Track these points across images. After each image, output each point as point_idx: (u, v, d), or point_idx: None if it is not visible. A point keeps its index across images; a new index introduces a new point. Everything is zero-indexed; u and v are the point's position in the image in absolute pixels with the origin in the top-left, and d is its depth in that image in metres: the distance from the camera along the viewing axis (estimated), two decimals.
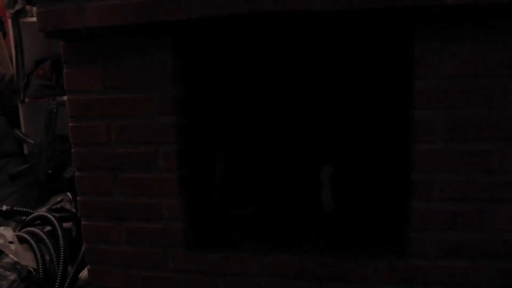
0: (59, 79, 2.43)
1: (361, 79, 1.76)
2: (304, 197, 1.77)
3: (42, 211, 1.98)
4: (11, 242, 1.67)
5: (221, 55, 1.73)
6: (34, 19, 2.38)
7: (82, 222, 1.47)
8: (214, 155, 1.80)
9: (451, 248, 1.24)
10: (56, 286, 1.62)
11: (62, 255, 1.69)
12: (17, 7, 2.45)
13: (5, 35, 2.69)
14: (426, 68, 1.19)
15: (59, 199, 2.10)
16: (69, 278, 1.67)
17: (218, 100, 1.80)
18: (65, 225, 1.89)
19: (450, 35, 1.17)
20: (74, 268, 1.69)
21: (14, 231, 1.80)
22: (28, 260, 1.64)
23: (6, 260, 1.58)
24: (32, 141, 2.39)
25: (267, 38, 1.68)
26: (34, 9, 2.37)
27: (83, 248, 1.56)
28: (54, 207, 2.04)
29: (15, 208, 2.00)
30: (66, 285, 1.64)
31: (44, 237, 1.74)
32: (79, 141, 1.43)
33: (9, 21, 2.54)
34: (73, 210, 2.03)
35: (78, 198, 1.47)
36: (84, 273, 1.67)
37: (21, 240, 1.73)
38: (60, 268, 1.66)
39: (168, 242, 1.40)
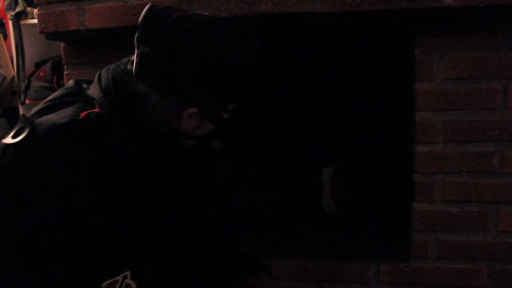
0: (60, 81, 2.43)
1: (362, 81, 1.77)
2: (305, 198, 1.77)
3: None
4: None
5: None
6: (35, 21, 2.38)
7: None
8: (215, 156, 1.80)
9: (452, 250, 1.24)
10: None
11: None
12: (18, 9, 2.45)
13: (5, 37, 2.69)
14: (426, 70, 1.19)
15: None
16: None
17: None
18: None
19: (451, 37, 1.17)
20: None
21: None
22: None
23: None
24: None
25: (267, 40, 1.68)
26: (35, 11, 2.37)
27: None
28: None
29: None
30: None
31: None
32: None
33: (10, 23, 2.54)
34: None
35: None
36: None
37: None
38: None
39: None
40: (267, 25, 1.26)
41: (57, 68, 2.46)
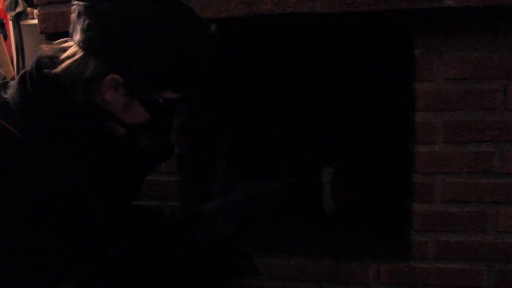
0: None
1: (362, 81, 1.77)
2: (304, 198, 1.77)
3: None
4: None
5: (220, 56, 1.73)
6: (35, 21, 2.38)
7: None
8: (215, 156, 1.80)
9: (451, 250, 1.24)
10: None
11: None
12: (18, 9, 2.46)
13: (6, 37, 2.69)
14: (426, 70, 1.19)
15: None
16: None
17: (218, 101, 1.80)
18: None
19: (450, 37, 1.17)
20: None
21: None
22: None
23: None
24: None
25: (268, 40, 1.68)
26: (35, 11, 2.37)
27: None
28: None
29: None
30: None
31: None
32: None
33: (10, 23, 2.55)
34: None
35: None
36: None
37: None
38: None
39: None
40: (267, 26, 1.26)
41: None
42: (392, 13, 1.12)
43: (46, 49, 0.86)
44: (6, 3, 2.48)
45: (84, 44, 0.80)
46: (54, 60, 0.83)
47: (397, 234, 1.41)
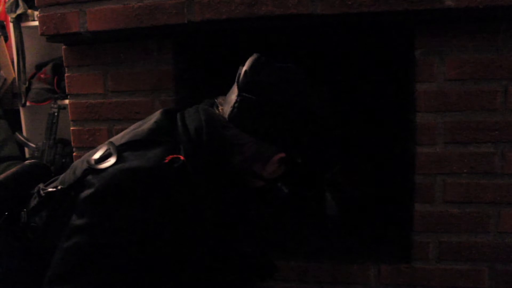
0: (60, 83, 2.43)
1: (363, 82, 1.77)
2: (306, 199, 1.76)
3: None
4: None
5: (222, 57, 1.73)
6: (36, 23, 2.38)
7: None
8: None
9: (452, 250, 1.24)
10: None
11: None
12: (19, 11, 2.45)
13: (6, 39, 2.69)
14: (427, 71, 1.19)
15: None
16: None
17: None
18: None
19: (451, 38, 1.17)
20: None
21: None
22: None
23: None
24: (33, 145, 2.39)
25: (268, 41, 1.68)
26: (36, 13, 2.37)
27: None
28: None
29: None
30: None
31: None
32: (81, 144, 1.43)
33: (11, 25, 2.55)
34: None
35: None
36: None
37: None
38: None
39: None
40: (268, 27, 1.26)
41: (57, 70, 2.46)
42: (392, 14, 1.12)
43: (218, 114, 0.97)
44: (7, 4, 2.48)
45: (260, 131, 0.93)
46: (225, 139, 0.94)
47: (398, 235, 1.41)
